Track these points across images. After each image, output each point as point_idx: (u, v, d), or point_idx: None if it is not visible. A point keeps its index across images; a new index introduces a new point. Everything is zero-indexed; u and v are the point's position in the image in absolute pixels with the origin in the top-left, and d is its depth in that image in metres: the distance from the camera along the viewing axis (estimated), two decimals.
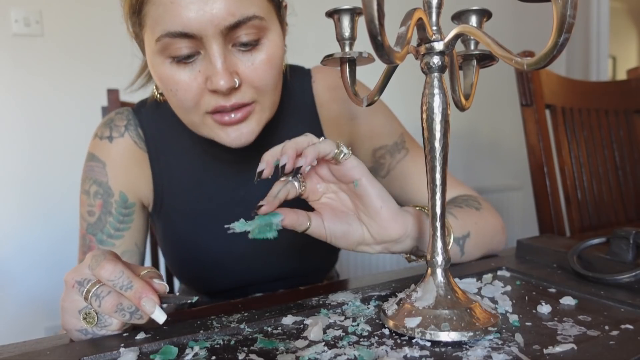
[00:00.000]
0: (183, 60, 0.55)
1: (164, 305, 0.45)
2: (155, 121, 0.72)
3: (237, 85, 0.56)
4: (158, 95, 0.69)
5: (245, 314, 0.48)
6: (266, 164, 0.46)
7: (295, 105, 0.75)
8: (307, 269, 0.79)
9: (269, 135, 0.71)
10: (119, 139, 0.70)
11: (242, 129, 0.59)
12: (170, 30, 0.53)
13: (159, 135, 0.72)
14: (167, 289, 0.45)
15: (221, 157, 0.71)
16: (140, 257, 0.73)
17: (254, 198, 0.71)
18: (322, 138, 0.48)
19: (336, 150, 0.47)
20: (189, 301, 0.46)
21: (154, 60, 0.57)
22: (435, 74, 0.43)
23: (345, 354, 0.39)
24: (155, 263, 1.08)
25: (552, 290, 0.53)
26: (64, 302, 0.44)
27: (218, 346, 0.42)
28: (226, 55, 0.55)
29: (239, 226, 0.45)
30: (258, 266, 0.75)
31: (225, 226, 0.45)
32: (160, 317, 0.42)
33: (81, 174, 0.72)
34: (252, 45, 0.56)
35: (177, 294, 0.88)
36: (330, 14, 0.48)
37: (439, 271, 0.45)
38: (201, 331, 0.44)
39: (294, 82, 0.76)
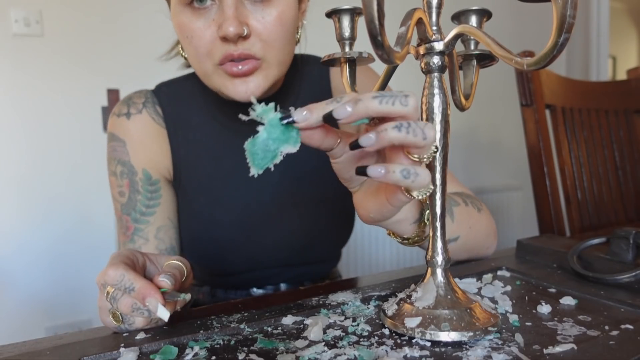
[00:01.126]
0: (198, 4, 0.60)
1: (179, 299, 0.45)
2: (174, 99, 0.74)
3: (245, 34, 0.59)
4: (182, 53, 0.71)
5: (245, 314, 0.48)
6: (309, 113, 0.37)
7: (312, 90, 0.77)
8: (313, 256, 0.80)
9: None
10: (136, 115, 0.72)
11: (249, 83, 0.62)
12: None
13: (177, 112, 0.74)
14: (170, 283, 0.44)
15: (238, 131, 0.73)
16: (175, 230, 0.74)
17: (267, 174, 0.72)
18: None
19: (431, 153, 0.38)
20: (181, 299, 0.45)
21: (174, 10, 0.62)
22: (435, 74, 0.43)
23: (345, 354, 0.39)
24: None
25: (552, 290, 0.53)
26: (99, 301, 0.47)
27: (218, 346, 0.42)
28: (238, 5, 0.58)
29: (259, 110, 0.37)
30: (268, 246, 0.75)
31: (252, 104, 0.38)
32: (163, 314, 0.42)
33: (106, 156, 0.73)
34: (264, 0, 0.60)
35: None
36: (330, 14, 0.48)
37: (439, 271, 0.45)
38: (201, 331, 0.44)
39: (313, 69, 0.78)
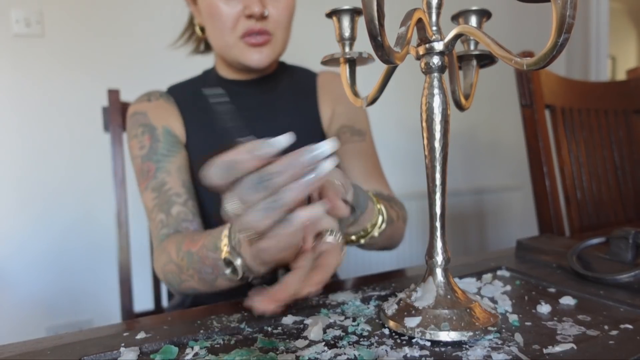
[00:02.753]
0: None
1: None
2: (182, 92, 0.88)
3: (266, 14, 0.76)
4: (199, 33, 0.87)
5: (245, 314, 0.48)
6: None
7: (298, 85, 0.92)
8: None
9: (277, 99, 0.88)
10: (155, 101, 0.86)
11: (263, 51, 0.79)
12: None
13: (185, 100, 0.87)
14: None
15: (239, 104, 0.86)
16: (191, 177, 0.82)
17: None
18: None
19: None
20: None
21: None
22: (435, 74, 0.43)
23: (345, 353, 0.39)
24: None
25: (552, 290, 0.54)
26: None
27: (218, 346, 0.42)
28: None
29: None
30: None
31: None
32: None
33: (127, 132, 0.84)
34: None
35: None
36: (330, 14, 0.48)
37: (438, 271, 0.45)
38: (201, 331, 0.44)
39: (300, 73, 0.94)
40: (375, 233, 0.63)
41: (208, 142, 0.84)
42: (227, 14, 0.76)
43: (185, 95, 0.88)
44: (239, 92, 0.87)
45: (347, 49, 0.48)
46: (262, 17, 0.76)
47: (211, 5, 0.77)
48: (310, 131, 0.90)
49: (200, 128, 0.85)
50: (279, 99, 0.89)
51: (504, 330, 0.43)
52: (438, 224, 0.45)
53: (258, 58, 0.79)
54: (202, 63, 0.98)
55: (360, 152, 0.90)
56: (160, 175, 0.77)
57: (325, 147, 0.35)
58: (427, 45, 0.43)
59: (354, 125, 0.92)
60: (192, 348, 0.42)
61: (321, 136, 0.91)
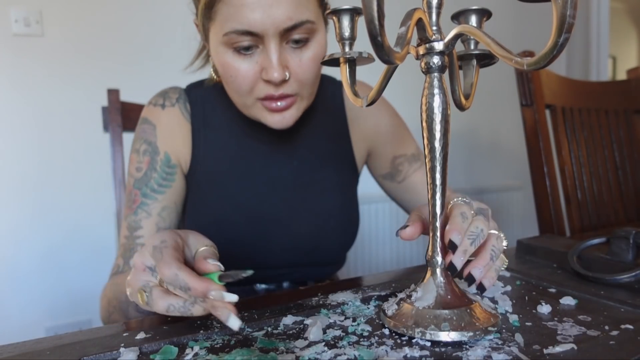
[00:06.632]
0: (243, 51, 0.65)
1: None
2: (202, 101, 0.81)
3: (287, 78, 0.66)
4: (214, 76, 0.77)
5: (245, 314, 0.48)
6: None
7: (326, 106, 0.84)
8: (318, 259, 0.82)
9: (302, 126, 0.81)
10: (169, 107, 0.79)
11: (285, 115, 0.69)
12: (237, 28, 0.62)
13: (203, 112, 0.80)
14: (222, 268, 0.42)
15: (257, 138, 0.79)
16: (178, 216, 0.78)
17: (281, 179, 0.79)
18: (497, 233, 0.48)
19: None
20: (244, 275, 0.40)
21: (218, 49, 0.67)
22: (435, 74, 0.43)
23: (345, 354, 0.39)
24: None
25: (552, 290, 0.53)
26: (131, 279, 0.46)
27: (218, 346, 0.42)
28: (281, 51, 0.65)
29: None
30: (274, 246, 0.79)
31: None
32: (235, 323, 0.38)
33: (133, 136, 0.79)
34: (302, 43, 0.66)
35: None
36: (330, 14, 0.48)
37: (439, 271, 0.45)
38: (201, 331, 0.44)
39: (327, 87, 0.85)
40: None
41: (214, 164, 0.78)
42: (244, 75, 0.66)
43: (200, 106, 0.80)
44: (258, 124, 0.78)
45: (347, 49, 0.48)
46: (283, 81, 0.66)
47: (224, 64, 0.67)
48: (340, 164, 0.83)
49: (208, 149, 0.79)
50: (304, 126, 0.81)
51: (504, 330, 0.43)
52: (438, 224, 0.45)
53: (279, 121, 0.69)
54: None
55: (424, 179, 0.84)
56: (140, 214, 0.73)
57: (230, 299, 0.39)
58: (427, 45, 0.43)
59: (406, 152, 0.85)
60: (192, 348, 0.42)
61: (352, 167, 0.85)
